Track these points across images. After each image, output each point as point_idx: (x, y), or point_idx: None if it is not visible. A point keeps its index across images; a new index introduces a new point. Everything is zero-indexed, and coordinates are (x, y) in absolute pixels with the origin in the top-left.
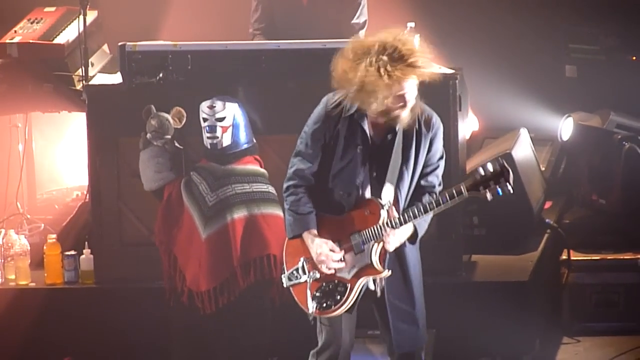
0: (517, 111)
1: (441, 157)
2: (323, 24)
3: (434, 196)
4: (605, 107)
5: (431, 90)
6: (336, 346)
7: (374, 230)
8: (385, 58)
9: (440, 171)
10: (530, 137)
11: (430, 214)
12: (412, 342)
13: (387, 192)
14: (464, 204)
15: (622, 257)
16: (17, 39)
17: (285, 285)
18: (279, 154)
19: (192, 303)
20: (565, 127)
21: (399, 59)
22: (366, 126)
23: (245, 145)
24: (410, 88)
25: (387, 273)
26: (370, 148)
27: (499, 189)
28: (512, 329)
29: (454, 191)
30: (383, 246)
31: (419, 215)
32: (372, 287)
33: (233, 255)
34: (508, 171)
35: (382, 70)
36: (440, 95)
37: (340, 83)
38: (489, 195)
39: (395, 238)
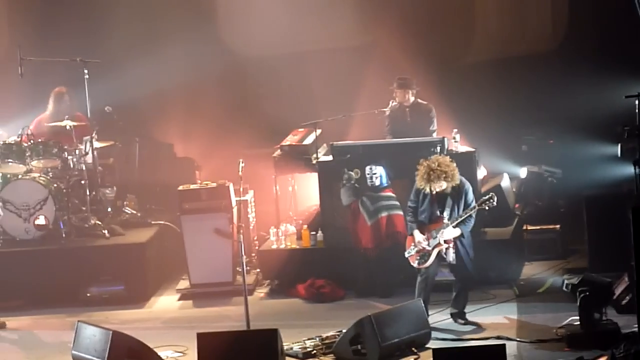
0: (502, 166)
1: (472, 199)
2: (416, 130)
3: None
4: (540, 162)
5: (466, 159)
6: (426, 271)
7: (440, 230)
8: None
9: (473, 204)
10: (508, 177)
11: (467, 223)
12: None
13: (447, 215)
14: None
15: (547, 227)
16: (287, 143)
17: (406, 257)
18: (400, 187)
19: (364, 252)
20: (522, 172)
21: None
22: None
23: (385, 184)
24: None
25: (446, 246)
26: (436, 203)
27: (488, 206)
28: (502, 260)
29: (471, 207)
30: (443, 235)
31: (459, 224)
32: (448, 258)
33: (382, 231)
34: (493, 199)
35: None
36: (468, 161)
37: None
38: (486, 207)
39: (447, 234)
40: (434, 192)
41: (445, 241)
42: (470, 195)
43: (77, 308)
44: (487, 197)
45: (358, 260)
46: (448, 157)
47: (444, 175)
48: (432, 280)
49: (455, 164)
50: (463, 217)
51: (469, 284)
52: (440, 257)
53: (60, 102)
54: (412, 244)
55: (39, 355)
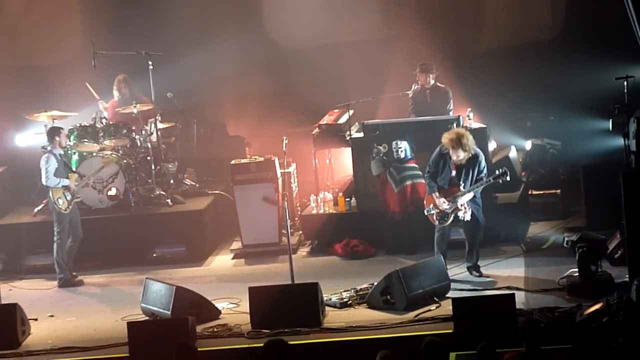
0: (509, 139)
1: (484, 167)
2: (436, 110)
3: (479, 182)
4: (543, 136)
5: (478, 134)
6: (442, 228)
7: (457, 194)
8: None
9: (485, 171)
10: (515, 149)
11: (479, 189)
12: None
13: (463, 183)
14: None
15: (549, 192)
16: (324, 122)
17: (425, 214)
18: (422, 159)
19: (392, 216)
20: (528, 144)
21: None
22: (451, 164)
23: (410, 156)
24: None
25: (463, 210)
26: (455, 171)
27: (502, 180)
28: (511, 221)
29: (486, 180)
30: (460, 200)
31: (473, 190)
32: (464, 218)
33: (407, 197)
34: (506, 173)
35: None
36: (481, 136)
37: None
38: (500, 182)
39: (464, 198)
40: (454, 163)
41: (461, 205)
42: (483, 163)
43: (145, 267)
44: (501, 172)
45: (387, 222)
46: (466, 131)
47: (462, 146)
48: (448, 234)
49: (472, 137)
50: (478, 186)
51: (478, 238)
52: (455, 216)
53: (127, 87)
54: (432, 204)
55: (112, 309)
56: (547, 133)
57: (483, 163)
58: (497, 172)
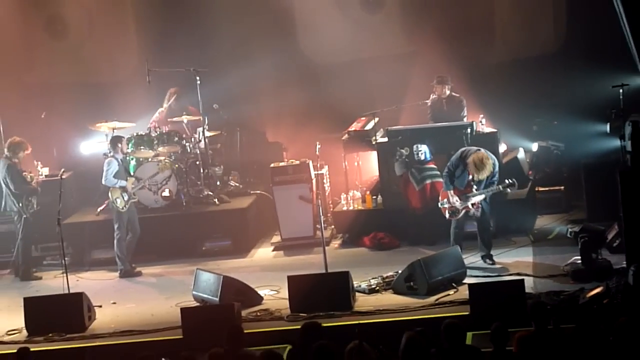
0: (518, 142)
1: (497, 172)
2: (451, 117)
3: (491, 186)
4: (547, 139)
5: (490, 138)
6: (457, 221)
7: (469, 194)
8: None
9: (497, 176)
10: (523, 150)
11: (489, 194)
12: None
13: (476, 186)
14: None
15: (554, 188)
16: (352, 128)
17: (439, 206)
18: (440, 160)
19: (414, 211)
20: (534, 146)
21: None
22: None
23: (429, 158)
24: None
25: (472, 209)
26: (470, 175)
27: (510, 189)
28: (520, 215)
29: (497, 187)
30: (471, 200)
31: (484, 194)
32: (475, 214)
33: (427, 195)
34: (514, 184)
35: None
36: (492, 140)
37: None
38: (508, 191)
39: (475, 199)
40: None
41: (472, 204)
42: (496, 169)
43: (195, 259)
44: (511, 182)
45: (409, 217)
46: (488, 157)
47: (485, 172)
48: (462, 227)
49: (492, 163)
50: (489, 191)
51: (489, 230)
52: (467, 212)
53: (175, 99)
54: (446, 198)
55: (167, 296)
56: (552, 136)
57: (496, 169)
58: (506, 181)
